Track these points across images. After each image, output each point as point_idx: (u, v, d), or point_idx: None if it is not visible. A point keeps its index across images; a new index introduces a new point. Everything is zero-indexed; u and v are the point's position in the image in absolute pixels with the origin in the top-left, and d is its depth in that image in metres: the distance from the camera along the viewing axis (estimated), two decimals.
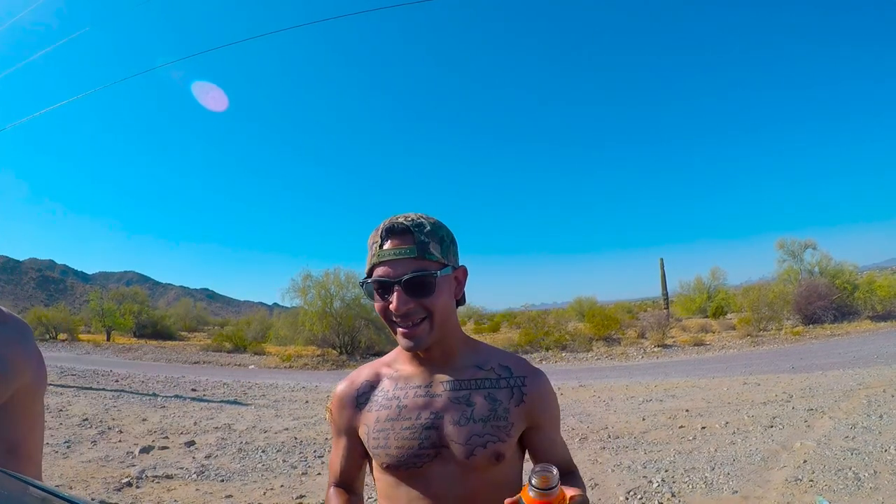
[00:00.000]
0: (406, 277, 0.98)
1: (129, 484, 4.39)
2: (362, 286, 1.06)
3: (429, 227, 1.03)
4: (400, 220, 1.02)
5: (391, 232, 1.01)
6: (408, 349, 1.03)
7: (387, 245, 1.01)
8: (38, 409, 1.16)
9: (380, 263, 1.01)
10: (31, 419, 1.13)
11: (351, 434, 1.13)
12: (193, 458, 5.28)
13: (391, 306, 0.99)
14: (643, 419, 6.53)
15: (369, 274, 1.04)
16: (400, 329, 1.02)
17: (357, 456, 1.13)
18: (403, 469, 1.03)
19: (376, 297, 1.02)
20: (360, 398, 1.12)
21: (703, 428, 5.81)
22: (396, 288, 0.99)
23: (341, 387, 1.16)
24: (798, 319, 18.67)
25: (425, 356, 1.09)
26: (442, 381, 1.07)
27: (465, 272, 1.11)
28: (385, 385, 1.11)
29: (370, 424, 1.07)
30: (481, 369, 1.08)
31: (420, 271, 0.99)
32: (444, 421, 1.03)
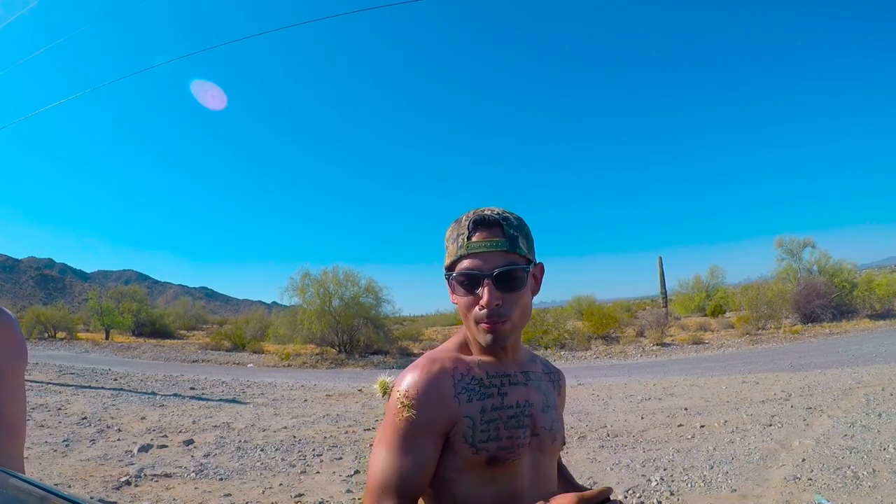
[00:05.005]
0: (498, 271, 0.95)
1: (128, 482, 4.38)
2: (447, 279, 1.01)
3: (515, 222, 1.00)
4: (487, 212, 0.99)
5: (480, 224, 0.98)
6: (488, 345, 0.99)
7: (475, 237, 0.97)
8: (19, 382, 1.25)
9: (468, 255, 0.97)
10: (12, 390, 1.22)
11: (440, 432, 0.95)
12: (192, 456, 5.27)
13: (482, 301, 0.95)
14: (642, 418, 6.54)
15: (451, 267, 1.01)
16: (483, 325, 0.97)
17: (435, 460, 0.96)
18: (510, 461, 0.97)
19: (460, 290, 0.98)
20: (458, 386, 0.97)
21: (702, 426, 5.82)
22: (487, 281, 0.95)
23: (431, 376, 0.96)
24: (797, 318, 18.69)
25: (501, 349, 1.05)
26: (520, 371, 1.07)
27: (542, 269, 1.08)
28: (476, 372, 1.00)
29: (475, 415, 0.96)
30: (534, 363, 1.13)
31: (511, 265, 0.96)
32: (534, 409, 1.03)
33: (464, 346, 1.07)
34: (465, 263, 0.97)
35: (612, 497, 0.85)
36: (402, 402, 0.94)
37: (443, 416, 0.95)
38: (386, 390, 1.00)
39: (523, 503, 0.97)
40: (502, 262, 0.96)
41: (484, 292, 0.95)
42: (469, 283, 0.97)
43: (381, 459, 0.94)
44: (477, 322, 0.98)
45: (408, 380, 0.97)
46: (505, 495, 0.96)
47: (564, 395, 1.19)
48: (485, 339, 0.98)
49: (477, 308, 0.97)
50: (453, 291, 1.02)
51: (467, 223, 0.99)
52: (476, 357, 1.05)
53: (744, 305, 20.41)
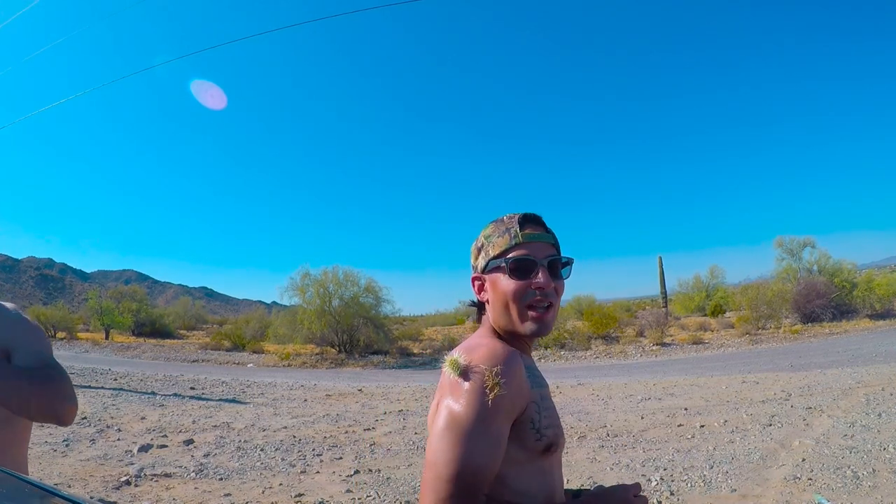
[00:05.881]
0: (550, 258, 1.03)
1: (128, 482, 4.39)
2: (506, 263, 1.02)
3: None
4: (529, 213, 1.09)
5: (529, 219, 1.06)
6: (533, 333, 1.01)
7: (527, 230, 1.04)
8: None
9: (522, 245, 1.02)
10: None
11: (515, 415, 0.93)
12: (192, 456, 5.27)
13: (538, 283, 1.00)
14: (642, 417, 6.54)
15: (499, 257, 1.04)
16: (532, 312, 1.01)
17: (506, 446, 0.92)
18: (559, 449, 0.99)
19: (512, 276, 1.01)
20: (527, 370, 0.98)
21: (702, 426, 5.82)
22: (542, 267, 1.01)
23: (511, 354, 0.95)
24: (797, 318, 18.70)
25: (529, 344, 1.09)
26: (538, 369, 1.11)
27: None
28: (527, 360, 1.02)
29: (539, 401, 0.97)
30: None
31: (559, 256, 1.05)
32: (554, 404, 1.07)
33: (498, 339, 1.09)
34: (519, 251, 1.02)
35: (640, 493, 0.94)
36: (493, 380, 0.89)
37: (521, 397, 0.93)
38: (458, 368, 0.92)
39: (558, 497, 1.00)
40: (551, 253, 1.04)
41: (540, 275, 1.00)
42: (522, 269, 1.01)
43: (459, 443, 0.85)
44: (526, 307, 1.01)
45: (491, 356, 0.93)
46: (548, 489, 0.98)
47: None
48: (530, 327, 1.01)
49: (531, 291, 1.01)
50: (502, 279, 1.03)
51: (515, 218, 1.06)
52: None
53: (744, 305, 20.39)
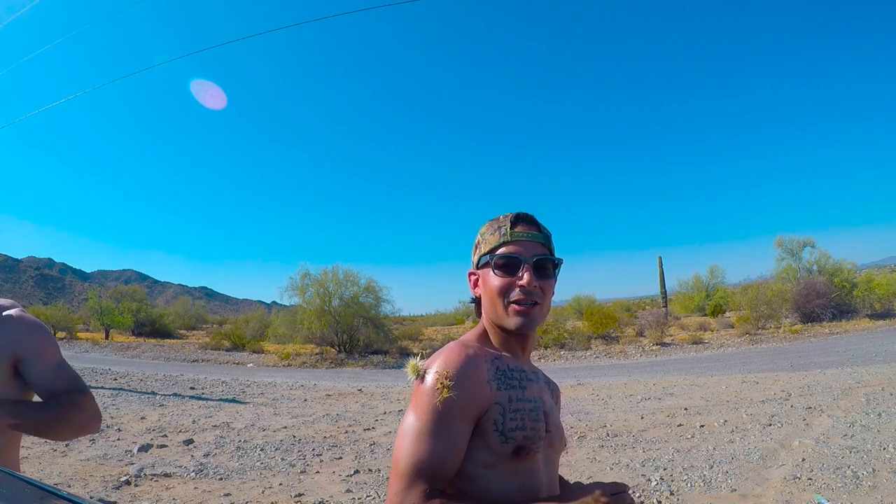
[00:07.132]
0: (537, 258, 1.05)
1: (128, 482, 4.38)
2: (490, 259, 1.07)
3: (545, 226, 1.12)
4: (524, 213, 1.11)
5: (521, 219, 1.09)
6: (519, 328, 1.04)
7: (518, 228, 1.07)
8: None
9: (511, 242, 1.05)
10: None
11: (474, 416, 0.96)
12: (192, 456, 5.27)
13: (521, 281, 1.02)
14: (641, 417, 6.54)
15: (490, 254, 1.08)
16: (516, 307, 1.03)
17: (466, 445, 0.96)
18: (533, 452, 0.99)
19: (498, 273, 1.05)
20: (489, 372, 1.00)
21: (702, 426, 5.82)
22: (527, 265, 1.03)
23: (468, 358, 0.99)
24: (796, 318, 18.70)
25: (520, 343, 1.10)
26: (531, 371, 1.12)
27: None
28: (500, 363, 1.04)
29: (505, 403, 0.98)
30: (537, 370, 1.17)
31: (547, 256, 1.07)
32: (545, 406, 1.07)
33: (484, 340, 1.10)
34: (508, 249, 1.05)
35: (620, 492, 0.91)
36: (441, 383, 0.94)
37: (479, 400, 0.97)
38: (418, 372, 1.00)
39: (541, 498, 1.00)
40: (540, 252, 1.06)
41: (524, 274, 1.03)
42: (509, 265, 1.05)
43: (413, 441, 0.93)
44: (510, 303, 1.04)
45: (445, 361, 0.98)
46: (526, 490, 0.99)
47: (560, 407, 1.23)
48: (515, 322, 1.04)
49: (515, 289, 1.04)
50: (490, 274, 1.06)
51: (508, 217, 1.09)
52: (497, 349, 1.09)
53: (743, 305, 20.41)
